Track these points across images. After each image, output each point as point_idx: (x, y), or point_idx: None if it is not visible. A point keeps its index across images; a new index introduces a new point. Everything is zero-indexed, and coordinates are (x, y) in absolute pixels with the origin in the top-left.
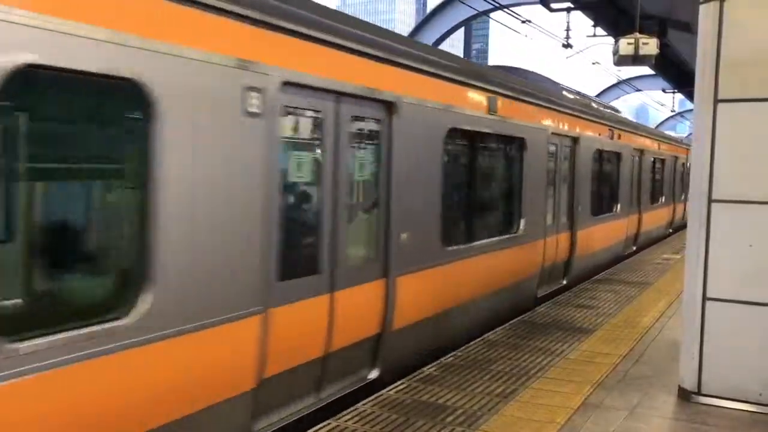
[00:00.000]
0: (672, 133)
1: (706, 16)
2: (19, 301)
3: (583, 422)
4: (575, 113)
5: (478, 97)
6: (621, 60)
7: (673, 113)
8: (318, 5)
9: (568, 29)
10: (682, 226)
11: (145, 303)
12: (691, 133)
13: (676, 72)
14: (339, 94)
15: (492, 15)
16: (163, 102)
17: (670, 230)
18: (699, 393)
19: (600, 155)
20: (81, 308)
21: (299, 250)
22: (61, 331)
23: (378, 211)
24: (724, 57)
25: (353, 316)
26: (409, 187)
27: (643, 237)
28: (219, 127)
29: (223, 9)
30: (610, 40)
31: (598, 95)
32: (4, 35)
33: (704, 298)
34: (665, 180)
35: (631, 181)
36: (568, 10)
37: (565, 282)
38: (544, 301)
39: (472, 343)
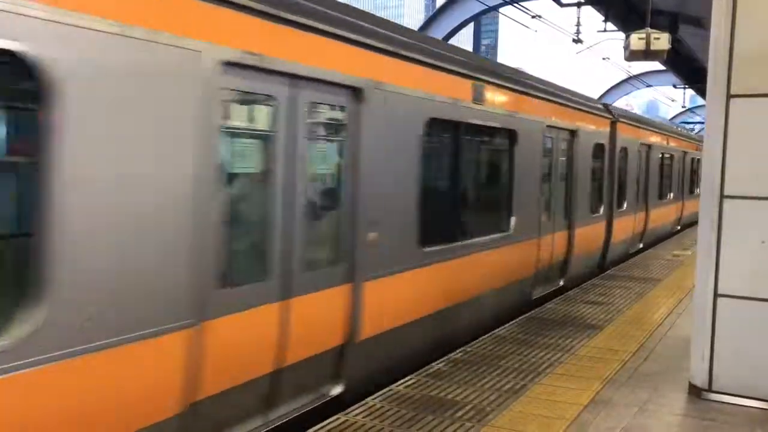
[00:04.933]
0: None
1: (719, 10)
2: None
3: (593, 418)
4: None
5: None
6: (632, 55)
7: (684, 109)
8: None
9: (578, 24)
10: None
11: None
12: (702, 129)
13: (687, 67)
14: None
15: (501, 10)
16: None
17: None
18: (710, 390)
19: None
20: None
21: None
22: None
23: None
24: (737, 52)
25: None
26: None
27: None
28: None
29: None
30: (621, 35)
31: (608, 91)
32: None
33: (716, 295)
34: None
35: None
36: (579, 5)
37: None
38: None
39: (480, 339)
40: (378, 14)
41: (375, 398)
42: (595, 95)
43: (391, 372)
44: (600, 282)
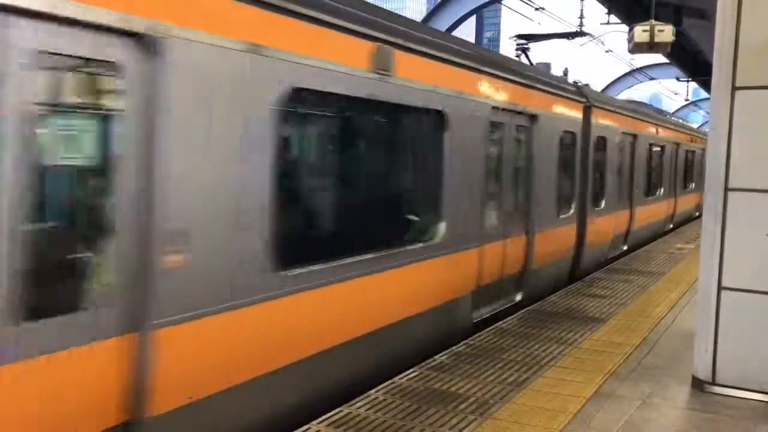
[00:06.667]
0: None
1: (724, 1)
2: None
3: (596, 411)
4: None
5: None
6: (636, 47)
7: (687, 102)
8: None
9: (581, 17)
10: None
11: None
12: (706, 122)
13: (690, 60)
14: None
15: (504, 2)
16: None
17: None
18: (713, 383)
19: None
20: None
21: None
22: None
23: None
24: (743, 44)
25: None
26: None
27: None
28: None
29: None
30: (624, 27)
31: (611, 84)
32: None
33: (719, 288)
34: None
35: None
36: None
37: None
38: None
39: (483, 331)
40: (383, 7)
41: (378, 391)
42: (598, 88)
43: None
44: (603, 275)
